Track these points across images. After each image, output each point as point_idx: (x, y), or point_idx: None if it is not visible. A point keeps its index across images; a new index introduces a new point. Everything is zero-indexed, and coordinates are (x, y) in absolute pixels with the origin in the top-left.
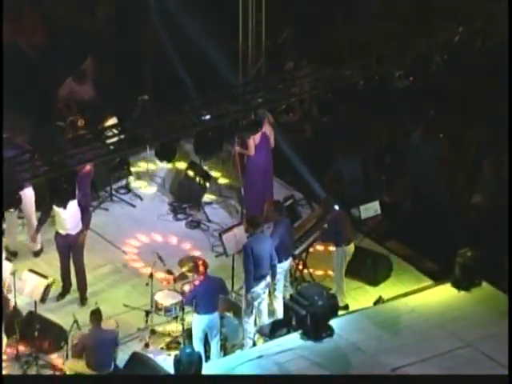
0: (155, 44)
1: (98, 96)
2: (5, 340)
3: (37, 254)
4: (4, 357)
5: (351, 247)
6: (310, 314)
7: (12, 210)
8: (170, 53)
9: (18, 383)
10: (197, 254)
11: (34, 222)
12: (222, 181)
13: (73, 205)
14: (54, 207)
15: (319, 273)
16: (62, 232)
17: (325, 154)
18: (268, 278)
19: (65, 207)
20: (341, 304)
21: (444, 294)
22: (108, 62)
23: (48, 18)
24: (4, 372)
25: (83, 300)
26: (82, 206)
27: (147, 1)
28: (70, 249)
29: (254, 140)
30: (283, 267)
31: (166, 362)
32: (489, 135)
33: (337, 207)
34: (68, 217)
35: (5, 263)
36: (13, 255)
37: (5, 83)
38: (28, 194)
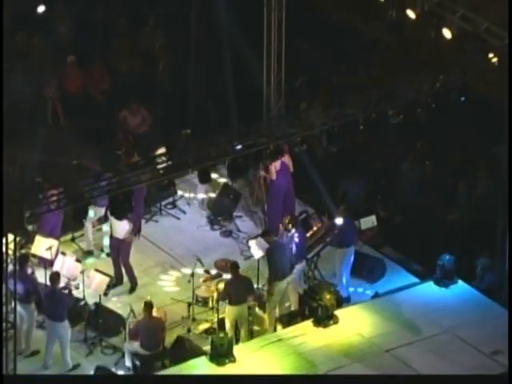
0: (196, 88)
1: (150, 130)
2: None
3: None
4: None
5: (352, 249)
6: (320, 305)
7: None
8: (207, 96)
9: (18, 383)
10: (229, 257)
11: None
12: (250, 198)
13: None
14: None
15: (327, 272)
16: (114, 235)
17: (333, 177)
18: (289, 277)
19: (122, 219)
20: (344, 296)
21: (427, 290)
22: (158, 102)
23: (111, 70)
24: (74, 353)
25: (132, 290)
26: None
27: (189, 53)
28: (119, 250)
29: (275, 166)
30: (298, 268)
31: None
32: (464, 161)
33: (340, 220)
34: (117, 224)
35: (75, 264)
36: (89, 254)
37: (77, 122)
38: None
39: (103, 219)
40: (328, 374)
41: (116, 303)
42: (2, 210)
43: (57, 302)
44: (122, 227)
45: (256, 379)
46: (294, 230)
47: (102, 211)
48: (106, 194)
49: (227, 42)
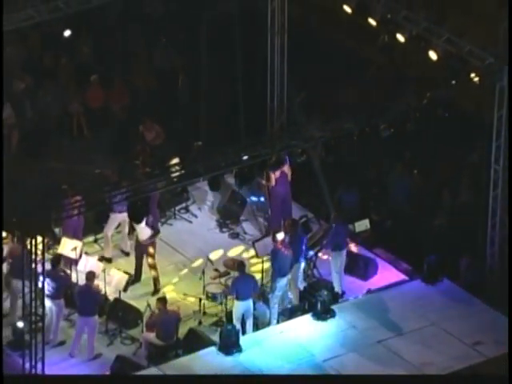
0: (207, 105)
1: (165, 143)
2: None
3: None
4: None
5: (344, 252)
6: (319, 301)
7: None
8: (218, 110)
9: (18, 383)
10: (236, 257)
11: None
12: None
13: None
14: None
15: (325, 271)
16: (138, 238)
17: (330, 184)
18: (289, 275)
19: (139, 222)
20: (339, 292)
21: (415, 287)
22: (173, 117)
23: (130, 87)
24: (96, 343)
25: (156, 292)
26: (148, 224)
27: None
28: (142, 252)
29: (275, 175)
30: (299, 267)
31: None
32: (448, 171)
33: (335, 224)
34: (139, 228)
35: (97, 263)
36: (108, 261)
37: (99, 135)
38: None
39: (123, 223)
40: (328, 374)
41: (134, 298)
42: (1, 210)
43: (91, 299)
44: (143, 231)
45: (257, 379)
46: (294, 232)
47: (120, 217)
48: (124, 200)
49: (238, 63)
